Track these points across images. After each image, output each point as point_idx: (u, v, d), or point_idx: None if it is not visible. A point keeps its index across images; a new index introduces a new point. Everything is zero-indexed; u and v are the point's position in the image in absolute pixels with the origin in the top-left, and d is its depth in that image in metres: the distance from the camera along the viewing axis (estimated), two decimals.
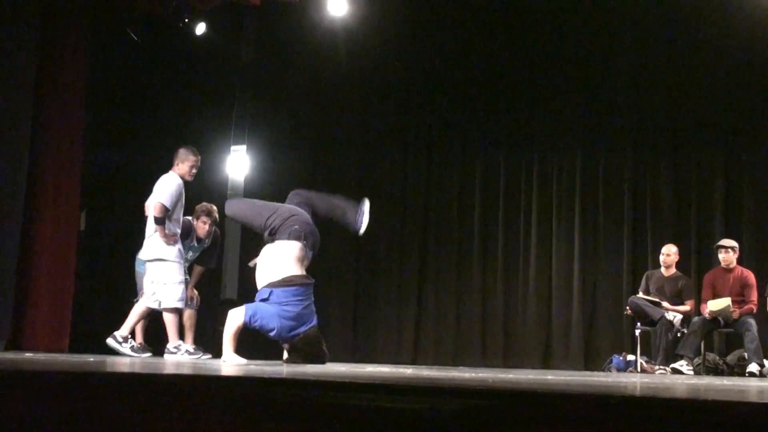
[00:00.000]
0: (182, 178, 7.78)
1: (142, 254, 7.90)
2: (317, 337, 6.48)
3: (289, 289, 6.36)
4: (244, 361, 6.21)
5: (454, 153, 10.96)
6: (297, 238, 6.51)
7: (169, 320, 7.65)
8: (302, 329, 6.36)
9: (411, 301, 10.77)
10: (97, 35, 9.38)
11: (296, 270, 6.47)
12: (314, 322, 6.49)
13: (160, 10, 9.34)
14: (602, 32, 10.51)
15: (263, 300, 6.40)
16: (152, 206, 7.68)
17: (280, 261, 6.47)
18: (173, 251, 7.71)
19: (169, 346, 7.70)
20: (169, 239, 7.65)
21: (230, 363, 6.13)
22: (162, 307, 7.64)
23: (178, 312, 7.75)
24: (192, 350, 7.77)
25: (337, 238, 10.81)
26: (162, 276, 7.65)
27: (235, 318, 6.35)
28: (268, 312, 6.31)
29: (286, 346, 6.48)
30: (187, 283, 8.06)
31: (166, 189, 7.67)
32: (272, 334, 6.35)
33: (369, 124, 11.19)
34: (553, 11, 10.58)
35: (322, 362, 6.40)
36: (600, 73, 10.58)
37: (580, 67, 10.62)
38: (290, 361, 6.37)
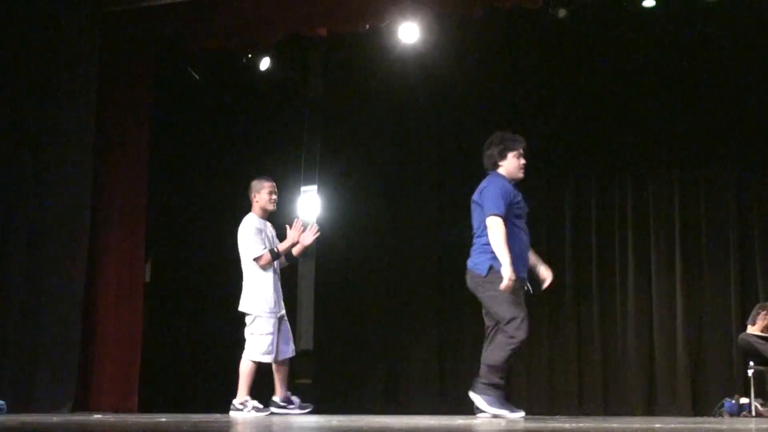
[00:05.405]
0: (264, 209, 7.95)
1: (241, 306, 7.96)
2: None
3: None
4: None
5: (539, 187, 10.79)
6: None
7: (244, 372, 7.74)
8: None
9: None
10: (159, 76, 9.63)
11: None
12: None
13: (222, 47, 9.58)
14: (694, 56, 10.35)
15: None
16: (246, 257, 7.76)
17: None
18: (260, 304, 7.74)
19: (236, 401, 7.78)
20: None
21: None
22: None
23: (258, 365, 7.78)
24: (261, 407, 7.77)
25: (419, 285, 10.92)
26: (252, 327, 7.68)
27: None
28: None
29: None
30: None
31: (248, 237, 7.77)
32: None
33: (449, 159, 11.13)
34: (643, 29, 10.40)
35: None
36: (693, 92, 10.43)
37: (672, 84, 10.51)
38: None
